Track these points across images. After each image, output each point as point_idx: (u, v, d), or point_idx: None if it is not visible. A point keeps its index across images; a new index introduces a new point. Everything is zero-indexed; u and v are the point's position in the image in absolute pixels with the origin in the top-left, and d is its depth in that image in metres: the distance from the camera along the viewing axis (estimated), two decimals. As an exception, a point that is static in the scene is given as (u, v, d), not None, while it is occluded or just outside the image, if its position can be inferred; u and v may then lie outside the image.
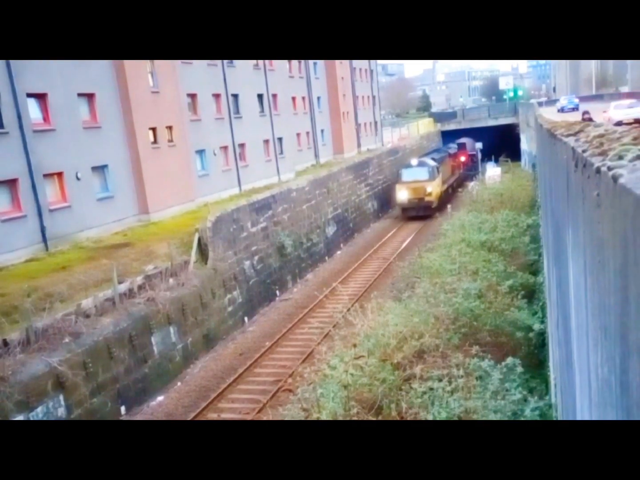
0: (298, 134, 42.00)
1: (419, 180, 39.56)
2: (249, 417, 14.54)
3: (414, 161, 41.98)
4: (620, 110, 27.23)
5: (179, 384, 17.25)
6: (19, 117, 19.14)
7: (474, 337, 11.37)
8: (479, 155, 54.45)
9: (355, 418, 8.87)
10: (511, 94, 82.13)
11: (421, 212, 39.43)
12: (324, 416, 9.08)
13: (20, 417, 11.71)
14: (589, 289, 2.95)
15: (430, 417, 8.46)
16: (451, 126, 68.95)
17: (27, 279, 16.00)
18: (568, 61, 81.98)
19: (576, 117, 23.11)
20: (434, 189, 39.77)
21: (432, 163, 41.71)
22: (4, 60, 18.31)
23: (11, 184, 19.10)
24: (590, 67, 77.02)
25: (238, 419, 14.57)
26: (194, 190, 28.07)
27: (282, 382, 15.86)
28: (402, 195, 40.11)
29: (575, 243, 3.84)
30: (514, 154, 49.67)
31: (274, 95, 37.79)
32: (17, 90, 19.08)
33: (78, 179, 21.57)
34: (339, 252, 34.01)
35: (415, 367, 9.90)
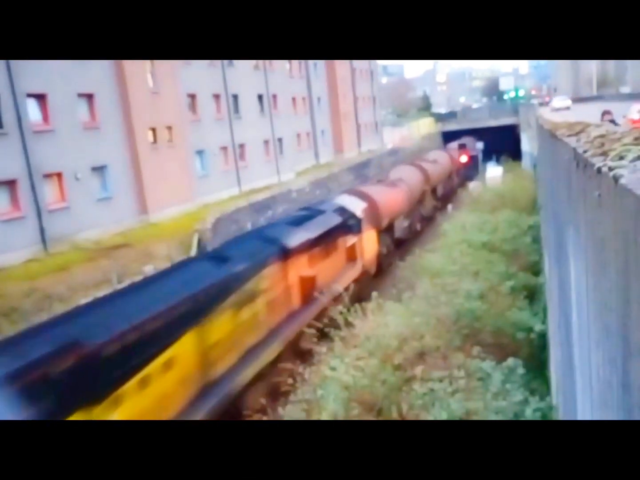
0: (298, 134, 42.00)
1: None
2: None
3: None
4: (559, 101, 39.43)
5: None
6: (19, 118, 19.15)
7: (475, 338, 11.36)
8: (480, 156, 53.66)
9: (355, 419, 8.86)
10: (512, 94, 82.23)
11: None
12: (325, 418, 9.07)
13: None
14: (590, 289, 2.94)
15: (431, 419, 8.45)
16: (452, 126, 68.91)
17: (27, 279, 15.99)
18: (568, 61, 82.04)
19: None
20: None
21: None
22: (4, 60, 18.31)
23: (10, 184, 19.10)
24: (591, 67, 76.95)
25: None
26: (193, 190, 28.06)
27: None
28: None
29: (576, 243, 3.83)
30: (516, 154, 49.62)
31: (274, 96, 37.79)
32: (17, 90, 19.09)
33: (77, 179, 21.56)
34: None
35: (416, 368, 9.88)
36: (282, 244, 13.47)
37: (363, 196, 21.64)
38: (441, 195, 35.24)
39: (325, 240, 15.85)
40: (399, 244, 24.39)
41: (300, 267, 14.07)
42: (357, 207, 19.62)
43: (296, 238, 14.22)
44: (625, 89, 61.70)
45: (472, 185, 37.61)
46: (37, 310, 13.82)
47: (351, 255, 18.02)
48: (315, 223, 16.06)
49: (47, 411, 6.58)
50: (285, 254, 13.35)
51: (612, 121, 25.80)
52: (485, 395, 8.86)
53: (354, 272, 17.47)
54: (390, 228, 23.47)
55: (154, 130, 25.73)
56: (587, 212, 2.93)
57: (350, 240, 17.97)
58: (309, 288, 14.27)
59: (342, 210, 18.27)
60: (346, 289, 14.92)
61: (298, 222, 15.74)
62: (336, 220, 17.24)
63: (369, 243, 19.83)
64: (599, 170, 2.39)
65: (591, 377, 2.98)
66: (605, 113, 28.23)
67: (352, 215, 18.69)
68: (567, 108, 35.80)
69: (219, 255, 11.97)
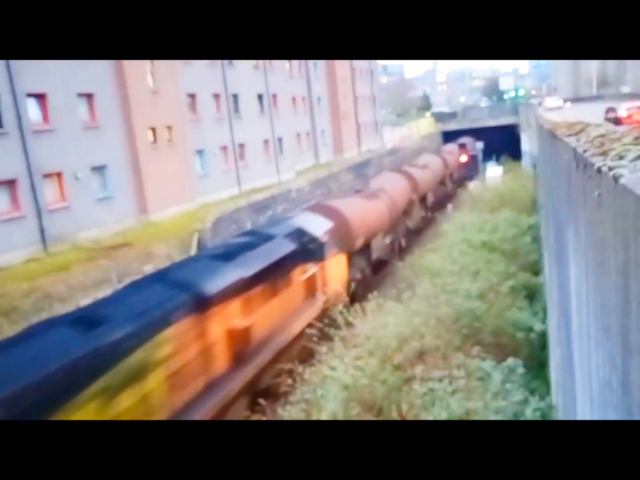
0: (298, 134, 42.00)
1: None
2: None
3: None
4: (551, 101, 44.97)
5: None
6: (19, 117, 19.14)
7: (475, 338, 11.36)
8: (480, 155, 53.57)
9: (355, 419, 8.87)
10: (512, 94, 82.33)
11: None
12: (324, 417, 9.07)
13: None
14: (590, 289, 2.94)
15: (431, 418, 8.45)
16: (452, 126, 68.97)
17: (27, 279, 15.98)
18: (568, 61, 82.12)
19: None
20: None
21: None
22: (4, 60, 18.31)
23: (10, 184, 19.10)
24: (591, 67, 76.93)
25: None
26: (193, 190, 28.06)
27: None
28: None
29: (576, 243, 3.83)
30: (516, 153, 49.64)
31: (274, 95, 37.79)
32: (17, 90, 19.08)
33: (77, 179, 21.56)
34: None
35: (416, 368, 9.89)
36: (199, 289, 9.98)
37: (330, 213, 17.65)
38: (432, 204, 31.62)
39: (270, 277, 12.25)
40: (378, 265, 20.97)
41: (228, 319, 10.63)
42: (319, 227, 15.97)
43: (222, 279, 10.70)
44: (625, 89, 61.68)
45: (472, 185, 37.55)
46: (37, 310, 13.82)
47: (309, 289, 14.50)
48: (255, 255, 12.31)
49: None
50: (203, 303, 9.88)
51: (616, 118, 25.31)
52: (485, 395, 8.86)
53: (313, 310, 13.96)
54: (366, 248, 19.68)
55: (154, 130, 25.72)
56: (587, 212, 2.93)
57: (309, 270, 14.53)
58: (240, 345, 10.84)
59: (298, 234, 14.62)
60: (310, 325, 12.52)
61: (229, 255, 11.84)
62: (288, 247, 13.64)
63: (335, 271, 16.18)
64: (599, 170, 2.39)
65: (591, 377, 2.98)
66: (610, 110, 27.66)
67: (312, 239, 15.00)
68: (559, 108, 40.67)
69: (88, 316, 8.32)
